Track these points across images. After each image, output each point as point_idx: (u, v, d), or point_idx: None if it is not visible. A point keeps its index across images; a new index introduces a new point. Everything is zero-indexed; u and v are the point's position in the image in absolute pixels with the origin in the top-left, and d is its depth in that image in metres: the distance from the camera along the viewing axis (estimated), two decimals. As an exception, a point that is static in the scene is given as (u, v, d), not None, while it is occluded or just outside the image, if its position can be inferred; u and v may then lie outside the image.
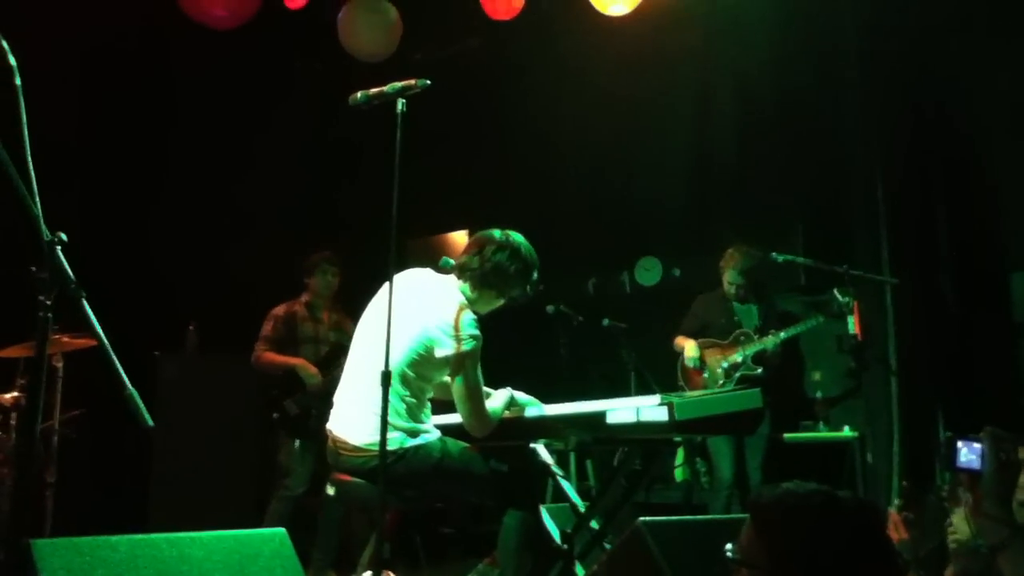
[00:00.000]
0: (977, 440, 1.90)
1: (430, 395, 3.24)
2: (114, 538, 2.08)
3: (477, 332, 3.12)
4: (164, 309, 6.02)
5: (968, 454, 1.89)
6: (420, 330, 3.07)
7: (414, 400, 3.11)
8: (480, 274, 3.22)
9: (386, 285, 3.31)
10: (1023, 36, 4.90)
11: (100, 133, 6.22)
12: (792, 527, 1.49)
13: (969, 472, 1.89)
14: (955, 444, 1.92)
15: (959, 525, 2.19)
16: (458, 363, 3.08)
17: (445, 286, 3.26)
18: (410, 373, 3.08)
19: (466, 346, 3.07)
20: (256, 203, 6.50)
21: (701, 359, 5.18)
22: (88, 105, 6.11)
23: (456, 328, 3.08)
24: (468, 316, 3.14)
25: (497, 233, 3.31)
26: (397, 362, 3.02)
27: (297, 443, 5.01)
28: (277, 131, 6.58)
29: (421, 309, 3.12)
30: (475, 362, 3.10)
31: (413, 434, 3.08)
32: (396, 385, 3.00)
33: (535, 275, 3.32)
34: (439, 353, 3.08)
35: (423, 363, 3.10)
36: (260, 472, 5.48)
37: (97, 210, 5.89)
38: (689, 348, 5.20)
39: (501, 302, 3.33)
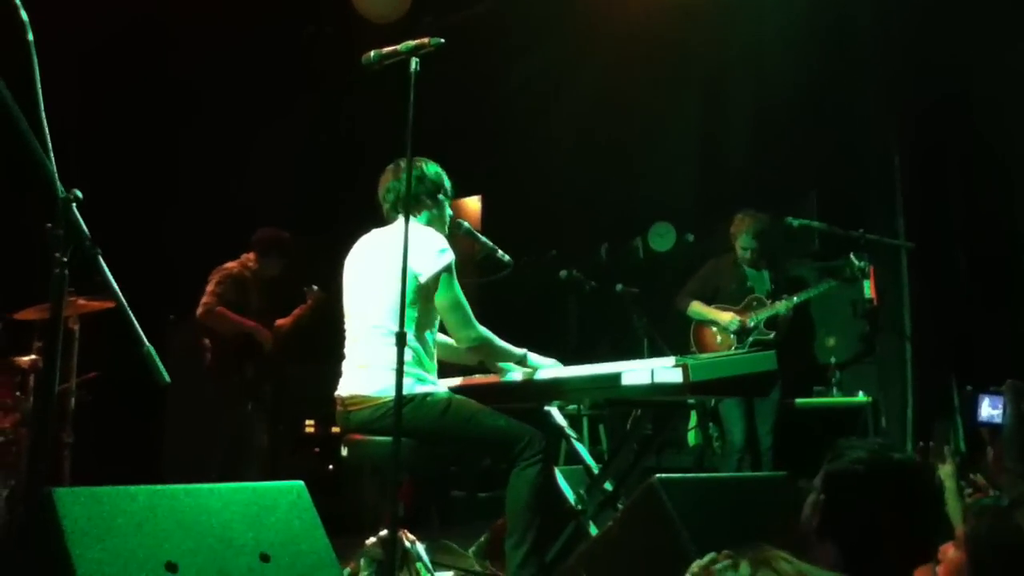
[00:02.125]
0: (999, 394, 1.88)
1: (433, 339, 3.25)
2: (133, 488, 2.10)
3: (446, 246, 3.19)
4: (177, 273, 6.04)
5: (990, 408, 1.88)
6: (399, 271, 3.05)
7: (418, 345, 3.13)
8: (408, 197, 3.17)
9: (361, 244, 3.37)
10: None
11: (110, 107, 6.22)
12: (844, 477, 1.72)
13: (990, 427, 1.87)
14: (977, 398, 1.91)
15: (945, 482, 2.21)
16: (436, 280, 3.13)
17: (398, 227, 3.26)
18: (409, 314, 3.09)
19: (440, 262, 3.13)
20: (263, 171, 6.49)
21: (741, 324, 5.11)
22: (93, 83, 6.09)
23: (425, 250, 3.12)
24: (432, 235, 3.20)
25: (395, 164, 3.33)
26: (392, 309, 3.03)
27: (250, 406, 5.06)
28: (286, 106, 6.57)
29: (392, 254, 3.12)
30: (451, 275, 3.16)
31: (421, 380, 3.11)
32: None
33: (441, 170, 3.40)
34: (423, 280, 3.11)
35: (415, 301, 3.10)
36: (271, 434, 5.51)
37: (111, 176, 5.89)
38: (725, 317, 5.14)
39: (448, 209, 3.41)
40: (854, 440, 1.78)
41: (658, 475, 2.48)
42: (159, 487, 2.17)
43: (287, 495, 2.35)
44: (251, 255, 5.25)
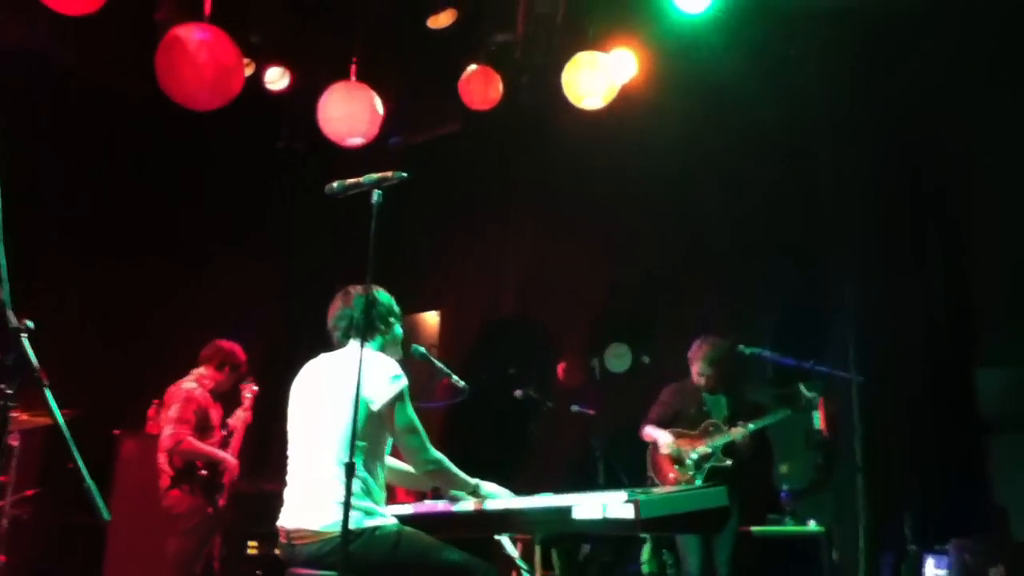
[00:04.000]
0: (943, 553, 1.89)
1: (383, 471, 3.20)
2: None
3: (399, 372, 3.16)
4: (125, 388, 5.94)
5: (935, 568, 1.89)
6: (351, 398, 3.02)
7: (367, 475, 3.07)
8: (363, 322, 3.18)
9: (309, 369, 3.32)
10: (998, 122, 5.07)
11: (77, 206, 6.23)
12: None
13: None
14: (922, 557, 1.92)
15: None
16: (390, 407, 3.10)
17: (350, 353, 3.26)
18: (358, 443, 3.04)
19: (392, 389, 3.11)
20: (226, 285, 6.48)
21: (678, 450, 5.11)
22: (69, 179, 6.12)
23: (377, 377, 3.10)
24: (384, 361, 3.18)
25: (344, 291, 3.37)
26: (342, 437, 3.00)
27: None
28: (254, 213, 6.62)
29: (341, 381, 3.12)
30: (404, 401, 3.14)
31: (370, 514, 3.04)
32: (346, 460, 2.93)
33: (394, 300, 3.42)
34: (375, 407, 3.08)
35: (365, 429, 3.04)
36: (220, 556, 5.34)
37: (65, 284, 5.85)
38: (663, 441, 5.11)
39: (400, 333, 3.41)
40: None
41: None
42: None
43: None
44: (205, 371, 5.09)
